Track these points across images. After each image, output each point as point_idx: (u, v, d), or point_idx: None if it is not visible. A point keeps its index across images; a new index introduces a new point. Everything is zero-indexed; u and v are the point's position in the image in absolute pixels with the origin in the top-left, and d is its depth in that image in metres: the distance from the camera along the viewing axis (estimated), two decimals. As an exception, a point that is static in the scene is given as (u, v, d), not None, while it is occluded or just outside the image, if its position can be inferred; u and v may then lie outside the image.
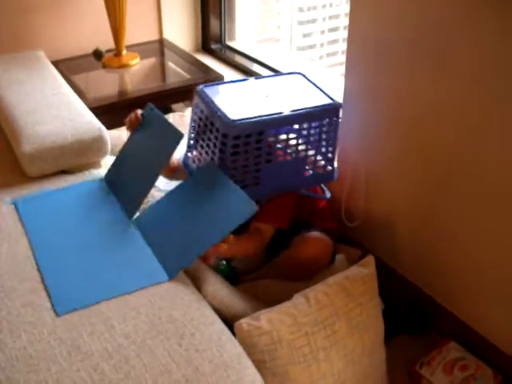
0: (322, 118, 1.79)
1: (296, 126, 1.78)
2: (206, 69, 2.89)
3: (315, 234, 1.88)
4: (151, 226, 1.75)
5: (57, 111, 2.08)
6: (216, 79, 2.79)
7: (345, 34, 1.96)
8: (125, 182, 1.92)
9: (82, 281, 1.56)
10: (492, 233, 1.70)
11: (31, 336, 1.38)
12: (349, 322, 1.61)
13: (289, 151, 1.82)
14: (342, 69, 2.03)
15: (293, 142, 1.81)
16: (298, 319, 1.54)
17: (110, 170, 2.00)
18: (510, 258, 1.67)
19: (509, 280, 1.70)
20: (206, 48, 3.32)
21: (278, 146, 1.81)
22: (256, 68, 2.98)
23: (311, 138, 1.82)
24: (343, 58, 2.01)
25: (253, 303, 1.74)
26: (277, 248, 1.92)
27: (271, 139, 1.79)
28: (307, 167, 1.88)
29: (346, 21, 1.95)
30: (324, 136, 1.84)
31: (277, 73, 1.99)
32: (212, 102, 1.77)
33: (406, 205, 1.96)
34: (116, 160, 2.01)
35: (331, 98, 1.81)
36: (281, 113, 1.73)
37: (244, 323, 1.51)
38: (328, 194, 2.02)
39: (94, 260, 1.64)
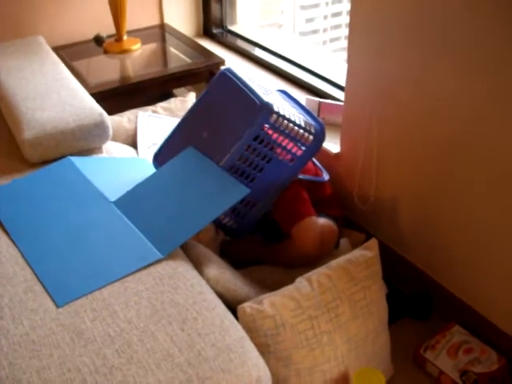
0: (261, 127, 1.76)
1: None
2: (207, 53, 2.87)
3: (321, 220, 1.87)
4: (134, 208, 1.73)
5: (58, 97, 2.07)
6: (218, 64, 2.78)
7: (348, 19, 1.94)
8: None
9: (76, 269, 1.54)
10: (496, 217, 1.69)
11: (33, 322, 1.38)
12: (352, 306, 1.61)
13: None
14: (345, 54, 2.00)
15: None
16: (301, 303, 1.54)
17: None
18: (515, 240, 1.67)
19: (513, 262, 1.70)
20: (207, 33, 3.30)
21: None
22: (258, 52, 2.96)
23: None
24: (346, 44, 1.99)
25: (256, 287, 1.73)
26: (278, 234, 1.91)
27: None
28: (282, 158, 1.85)
29: (349, 5, 1.92)
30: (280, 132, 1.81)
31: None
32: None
33: (411, 190, 1.94)
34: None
35: (259, 99, 1.75)
36: None
37: (247, 307, 1.51)
38: (326, 177, 2.02)
39: (82, 246, 1.62)
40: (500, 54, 1.50)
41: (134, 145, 2.37)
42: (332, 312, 1.57)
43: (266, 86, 1.91)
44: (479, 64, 1.56)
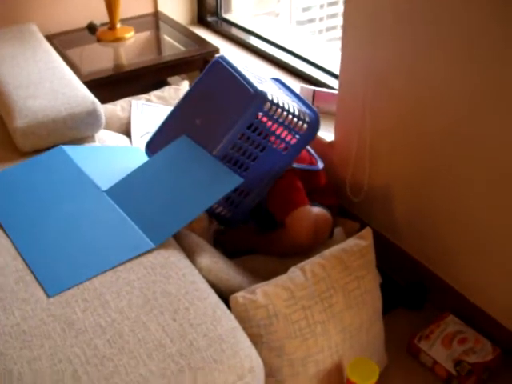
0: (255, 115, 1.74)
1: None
2: (201, 42, 2.85)
3: (315, 209, 1.86)
4: (127, 197, 1.71)
5: (50, 85, 2.05)
6: (212, 52, 2.76)
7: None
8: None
9: (67, 258, 1.53)
10: (490, 207, 1.68)
11: (24, 312, 1.37)
12: (346, 296, 1.60)
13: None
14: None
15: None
16: (294, 293, 1.53)
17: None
18: (509, 231, 1.65)
19: (507, 253, 1.68)
20: (201, 21, 3.28)
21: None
22: (252, 41, 2.95)
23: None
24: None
25: (249, 277, 1.72)
26: (272, 223, 1.90)
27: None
28: (276, 146, 1.83)
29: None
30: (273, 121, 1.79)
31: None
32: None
33: (404, 179, 1.94)
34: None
35: (253, 87, 1.74)
36: None
37: (239, 297, 1.50)
38: (321, 165, 2.01)
39: (74, 235, 1.60)
40: (493, 41, 1.48)
41: (127, 133, 2.35)
42: (326, 302, 1.56)
43: (260, 75, 1.90)
44: (472, 52, 1.54)
